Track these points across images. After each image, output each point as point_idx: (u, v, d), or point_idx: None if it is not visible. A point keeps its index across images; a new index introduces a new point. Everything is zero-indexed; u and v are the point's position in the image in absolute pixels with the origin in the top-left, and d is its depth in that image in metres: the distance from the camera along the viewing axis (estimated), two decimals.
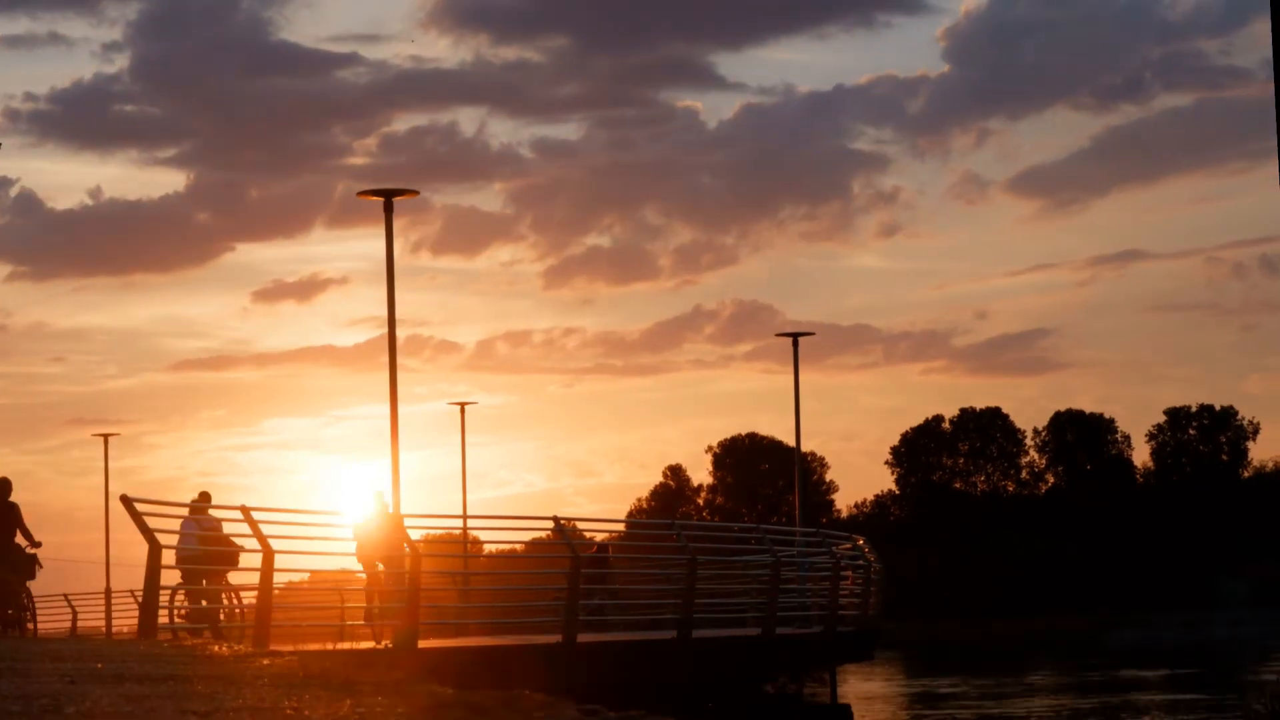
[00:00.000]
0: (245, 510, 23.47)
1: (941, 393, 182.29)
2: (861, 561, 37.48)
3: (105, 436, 71.06)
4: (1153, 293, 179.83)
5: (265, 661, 16.50)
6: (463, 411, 63.65)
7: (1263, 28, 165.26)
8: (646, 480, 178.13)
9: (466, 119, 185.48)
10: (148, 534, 22.41)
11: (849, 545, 38.28)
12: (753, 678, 34.49)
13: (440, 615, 33.83)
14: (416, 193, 36.98)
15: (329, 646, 25.23)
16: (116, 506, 36.48)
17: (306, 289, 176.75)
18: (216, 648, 18.84)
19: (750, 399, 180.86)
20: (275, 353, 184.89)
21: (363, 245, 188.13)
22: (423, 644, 25.17)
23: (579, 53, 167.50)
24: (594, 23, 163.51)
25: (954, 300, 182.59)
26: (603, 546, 34.96)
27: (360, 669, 16.81)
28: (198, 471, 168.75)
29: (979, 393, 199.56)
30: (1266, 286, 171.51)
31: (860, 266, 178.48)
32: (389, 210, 36.17)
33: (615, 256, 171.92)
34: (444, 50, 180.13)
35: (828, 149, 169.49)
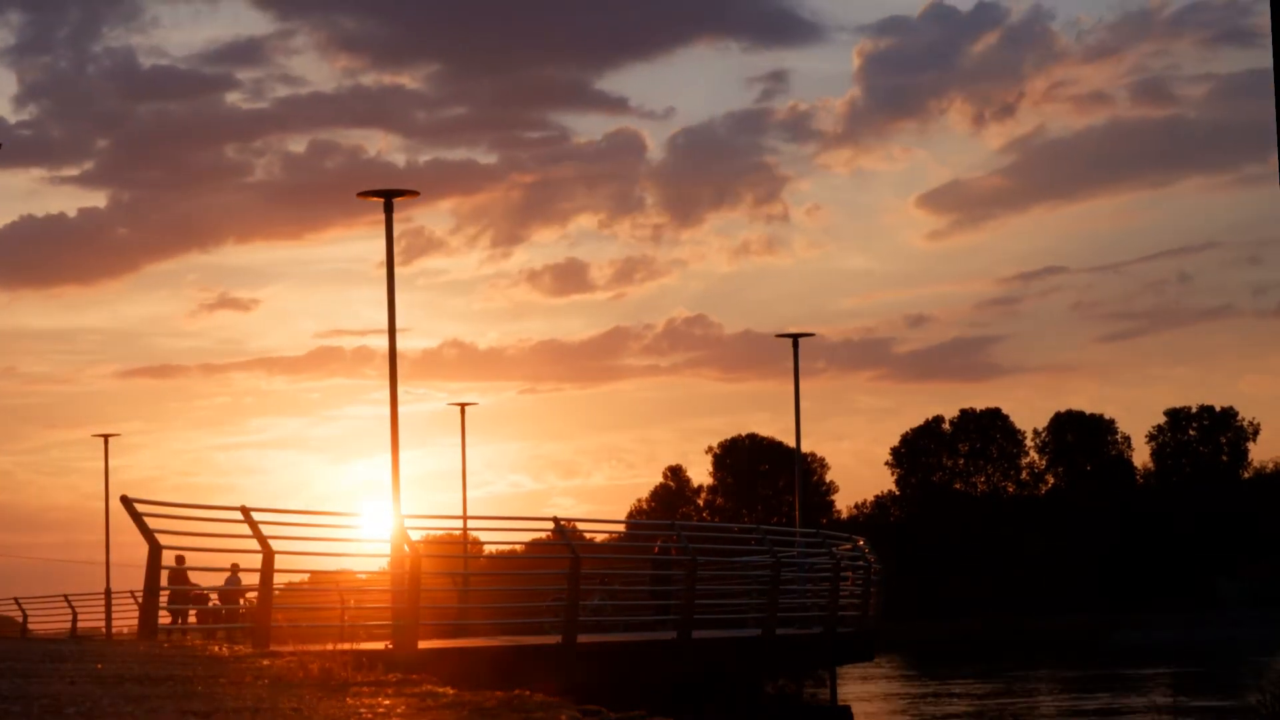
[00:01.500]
0: (245, 510, 23.48)
1: (884, 397, 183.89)
2: (861, 562, 37.49)
3: (105, 437, 71.10)
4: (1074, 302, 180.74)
5: (265, 662, 16.50)
6: (463, 412, 63.68)
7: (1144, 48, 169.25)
8: (618, 481, 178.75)
9: (364, 140, 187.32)
10: (148, 535, 22.41)
11: (849, 546, 38.28)
12: (753, 678, 34.50)
13: (441, 616, 33.85)
14: (417, 193, 36.95)
15: (329, 647, 25.24)
16: (116, 507, 36.47)
17: (233, 301, 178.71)
18: (216, 648, 18.84)
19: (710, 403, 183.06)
20: (221, 362, 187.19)
21: (282, 254, 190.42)
22: (423, 644, 25.18)
23: (455, 77, 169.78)
24: (467, 49, 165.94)
25: (885, 308, 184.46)
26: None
27: (360, 669, 16.80)
28: (178, 471, 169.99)
29: (920, 398, 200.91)
30: (1181, 294, 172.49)
31: (784, 276, 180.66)
32: (389, 210, 36.15)
33: (551, 268, 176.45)
34: (323, 74, 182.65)
35: (742, 164, 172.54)
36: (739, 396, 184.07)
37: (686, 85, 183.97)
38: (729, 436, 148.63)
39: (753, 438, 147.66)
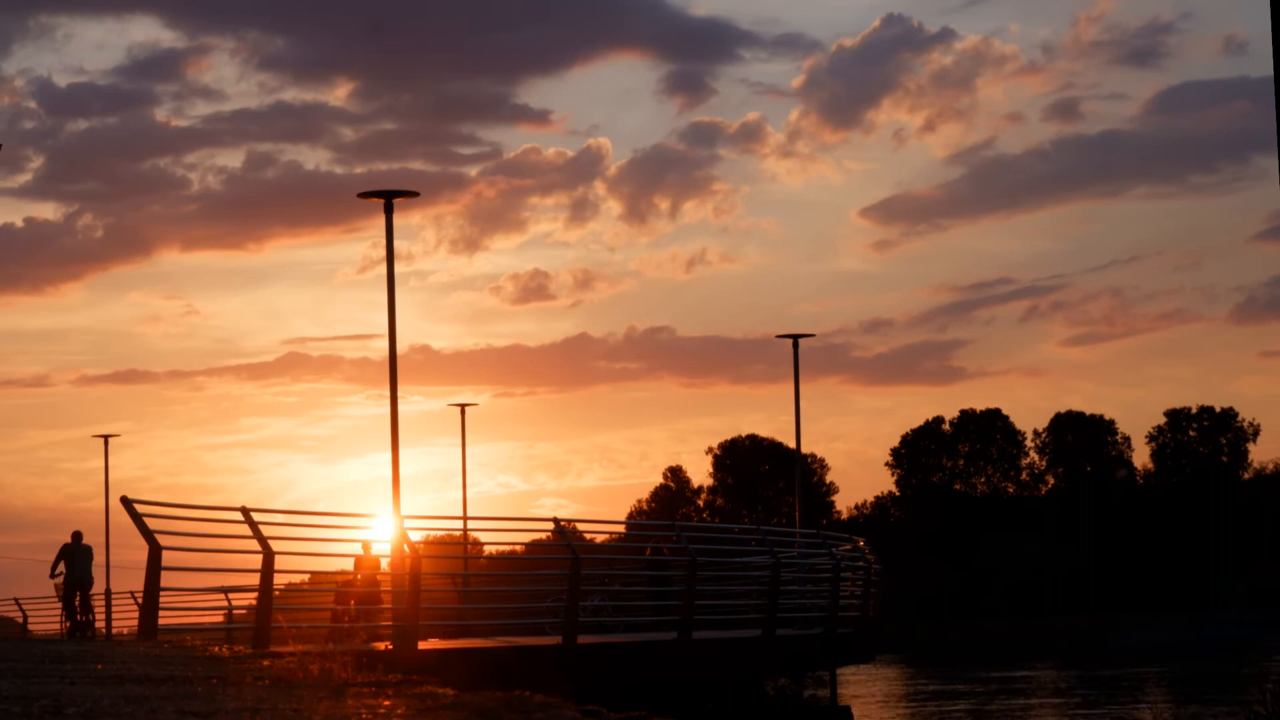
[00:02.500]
0: (245, 511, 23.47)
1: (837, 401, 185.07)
2: (861, 563, 37.47)
3: (105, 438, 71.08)
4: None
5: (265, 662, 16.50)
6: (463, 413, 63.65)
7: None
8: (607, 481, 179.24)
9: (297, 154, 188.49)
10: (148, 535, 22.40)
11: (849, 547, 38.25)
12: (753, 679, 34.48)
13: (441, 616, 33.85)
14: (417, 194, 37.18)
15: (329, 647, 25.22)
16: (116, 507, 36.49)
17: (194, 310, 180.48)
18: (216, 649, 18.84)
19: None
20: (188, 369, 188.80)
21: (206, 263, 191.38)
22: (423, 645, 25.17)
23: (374, 94, 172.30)
24: (380, 69, 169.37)
25: (840, 314, 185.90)
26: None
27: (360, 670, 16.79)
28: (162, 471, 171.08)
29: (878, 401, 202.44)
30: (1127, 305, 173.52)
31: (734, 281, 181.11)
32: (389, 211, 36.23)
33: (513, 276, 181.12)
34: (244, 91, 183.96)
35: (687, 176, 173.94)
36: (727, 399, 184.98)
37: (623, 97, 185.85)
38: (729, 437, 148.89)
39: (753, 438, 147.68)
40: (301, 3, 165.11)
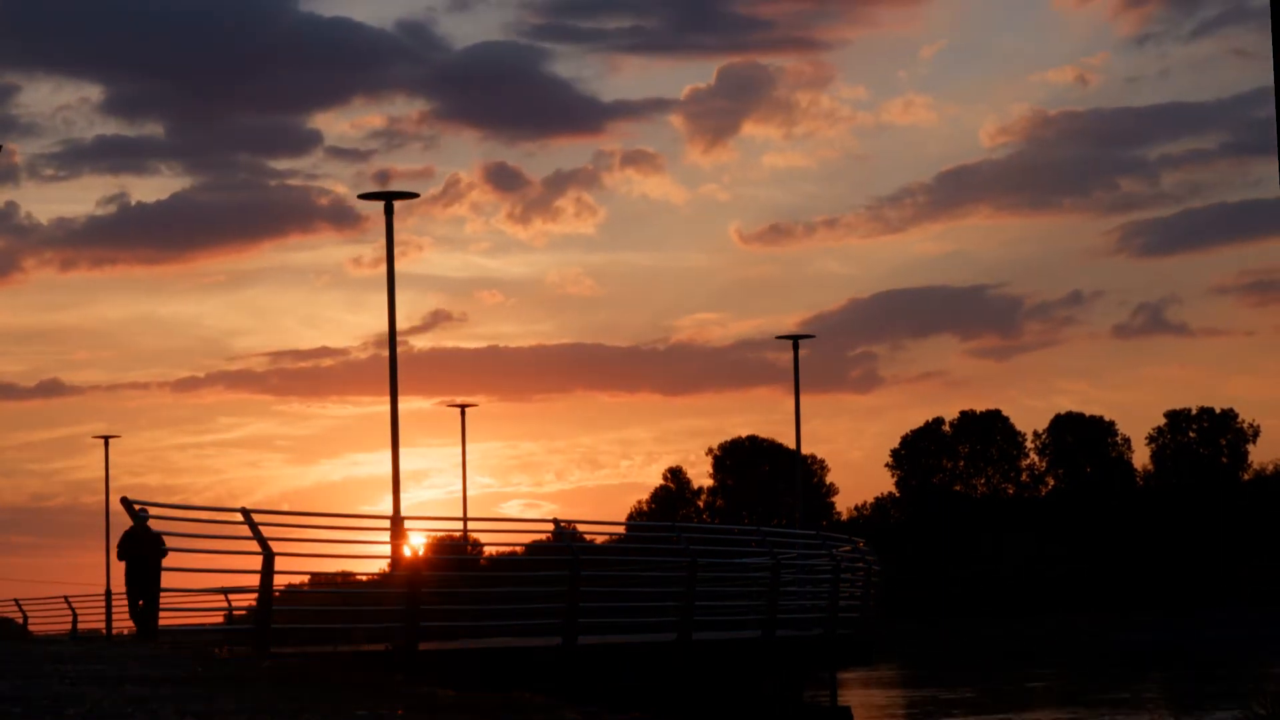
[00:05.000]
0: (245, 512, 23.49)
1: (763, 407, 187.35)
2: (861, 564, 37.44)
3: (105, 439, 71.07)
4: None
5: (265, 663, 16.52)
6: (463, 414, 63.69)
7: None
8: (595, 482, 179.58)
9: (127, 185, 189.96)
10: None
11: (849, 548, 38.22)
12: (752, 680, 34.47)
13: (441, 617, 33.80)
14: (417, 195, 37.67)
15: (329, 649, 25.23)
16: (116, 507, 36.46)
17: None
18: (216, 649, 18.86)
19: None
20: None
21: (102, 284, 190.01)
22: (423, 646, 25.17)
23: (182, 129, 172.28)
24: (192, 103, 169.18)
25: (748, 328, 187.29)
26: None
27: (360, 671, 16.81)
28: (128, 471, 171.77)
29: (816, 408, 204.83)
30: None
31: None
32: (389, 212, 36.43)
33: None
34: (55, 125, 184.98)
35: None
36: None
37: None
38: (729, 438, 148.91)
39: (753, 439, 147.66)
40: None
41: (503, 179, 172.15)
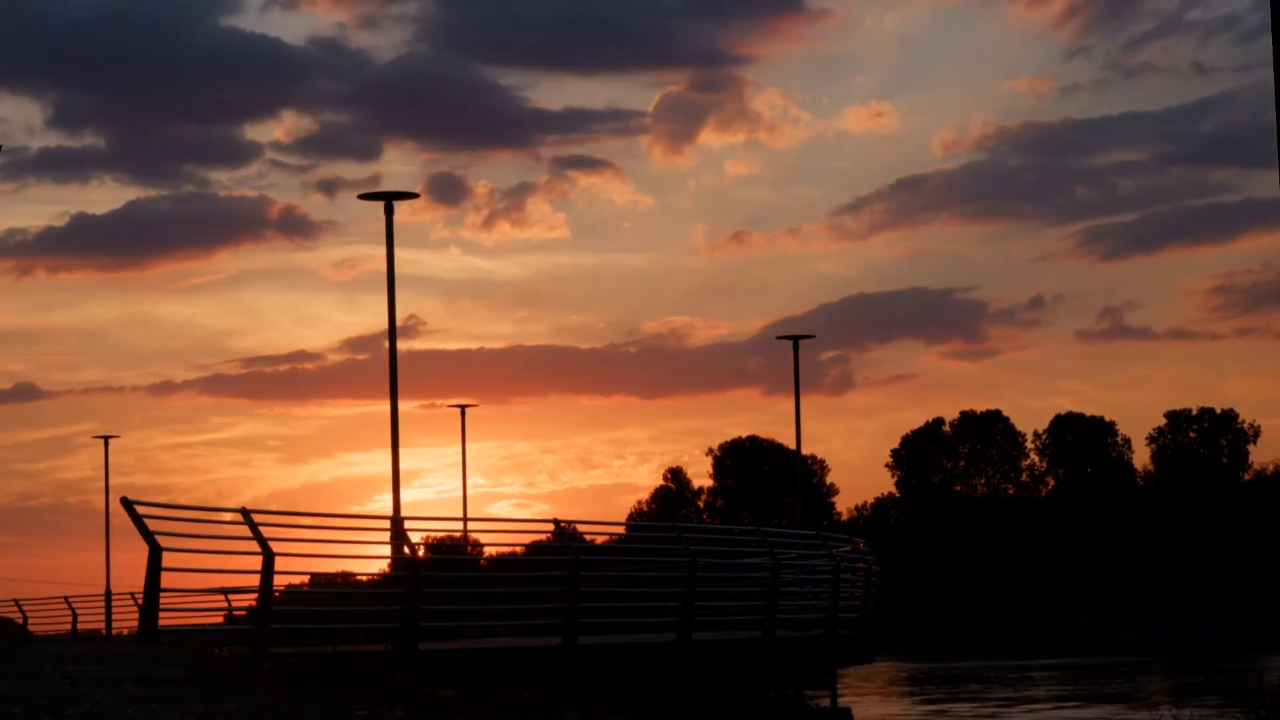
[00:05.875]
0: (246, 512, 23.51)
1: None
2: (861, 564, 37.45)
3: (105, 439, 71.09)
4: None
5: (265, 663, 16.52)
6: (463, 414, 63.71)
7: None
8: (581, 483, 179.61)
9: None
10: (148, 536, 22.42)
11: (849, 548, 38.24)
12: (753, 681, 34.49)
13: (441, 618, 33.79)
14: (417, 195, 37.66)
15: (329, 649, 25.25)
16: (116, 507, 36.48)
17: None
18: (216, 650, 18.86)
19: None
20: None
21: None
22: (423, 646, 25.19)
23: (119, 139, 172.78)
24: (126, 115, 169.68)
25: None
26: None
27: (360, 671, 16.81)
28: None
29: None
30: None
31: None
32: (389, 213, 36.44)
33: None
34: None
35: None
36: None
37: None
38: (730, 438, 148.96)
39: (753, 440, 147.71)
40: None
41: (445, 190, 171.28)
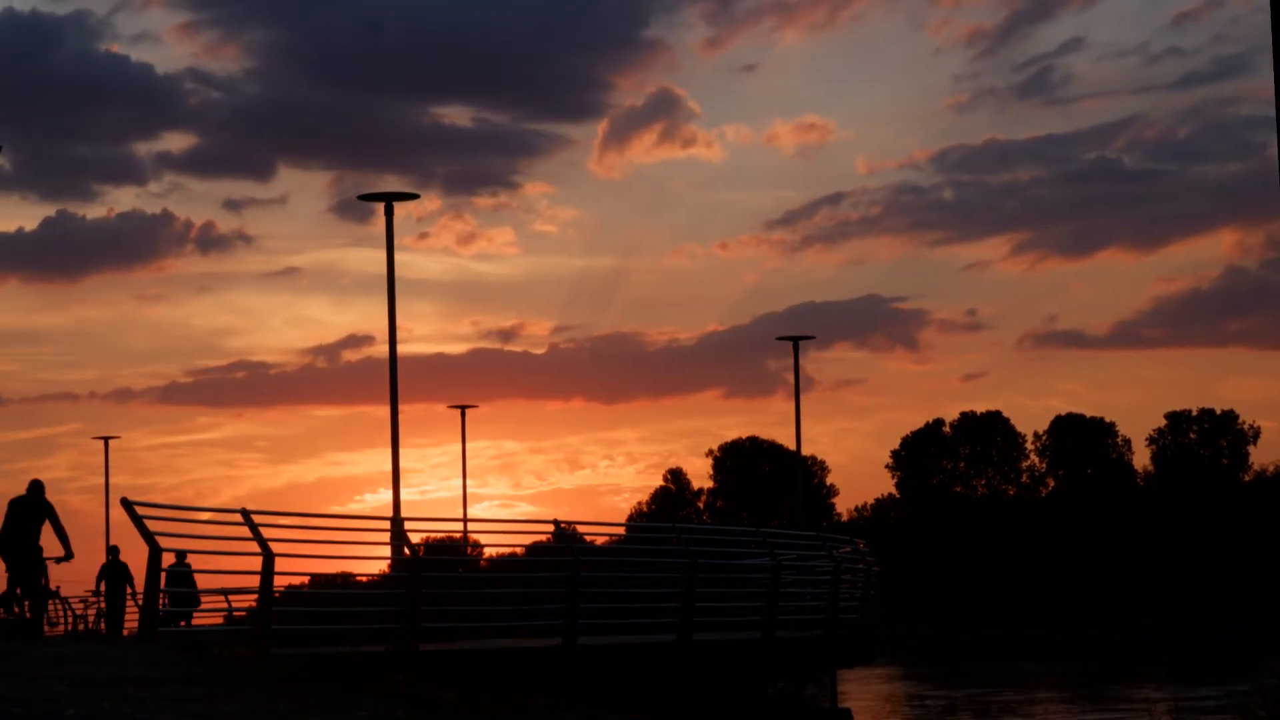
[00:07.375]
0: (245, 512, 23.51)
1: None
2: (861, 565, 37.46)
3: (105, 440, 71.07)
4: None
5: (265, 664, 16.52)
6: (463, 415, 63.71)
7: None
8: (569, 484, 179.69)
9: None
10: (148, 537, 22.43)
11: (849, 549, 38.24)
12: (753, 681, 34.49)
13: (441, 619, 33.80)
14: (417, 196, 37.61)
15: (329, 649, 25.24)
16: (116, 507, 36.50)
17: None
18: (216, 651, 18.86)
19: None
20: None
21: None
22: (423, 647, 25.19)
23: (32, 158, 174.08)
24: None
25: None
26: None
27: (360, 672, 16.81)
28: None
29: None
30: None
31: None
32: (389, 214, 36.46)
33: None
34: None
35: None
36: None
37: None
38: (730, 439, 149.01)
39: (753, 440, 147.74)
40: None
41: (347, 210, 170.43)
